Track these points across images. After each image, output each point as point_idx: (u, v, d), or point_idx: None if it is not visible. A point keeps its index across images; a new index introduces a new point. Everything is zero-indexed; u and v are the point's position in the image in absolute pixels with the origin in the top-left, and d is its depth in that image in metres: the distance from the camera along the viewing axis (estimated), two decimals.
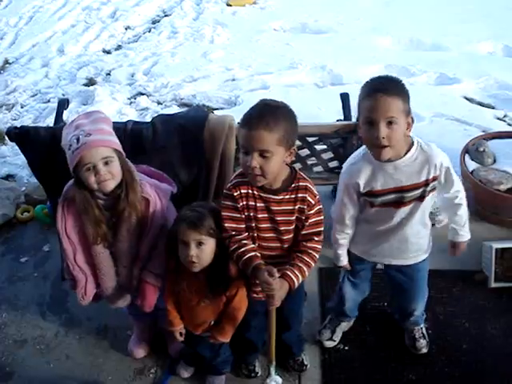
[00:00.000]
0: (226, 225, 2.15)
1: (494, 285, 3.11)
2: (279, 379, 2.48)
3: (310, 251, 2.18)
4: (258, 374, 2.72)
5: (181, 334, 2.43)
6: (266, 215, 2.15)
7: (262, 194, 2.12)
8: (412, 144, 2.17)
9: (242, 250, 2.14)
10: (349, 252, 2.53)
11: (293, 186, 2.12)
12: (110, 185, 2.13)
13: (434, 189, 2.25)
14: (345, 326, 2.88)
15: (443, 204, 2.41)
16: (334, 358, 2.81)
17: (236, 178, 2.16)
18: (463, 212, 2.37)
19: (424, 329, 2.82)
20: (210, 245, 2.15)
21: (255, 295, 2.34)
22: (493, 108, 4.87)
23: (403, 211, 2.28)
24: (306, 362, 2.75)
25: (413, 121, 2.10)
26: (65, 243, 2.28)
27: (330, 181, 3.15)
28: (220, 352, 2.58)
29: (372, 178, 2.21)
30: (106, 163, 2.08)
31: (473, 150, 3.68)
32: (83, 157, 2.04)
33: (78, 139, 2.03)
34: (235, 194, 2.12)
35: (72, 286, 2.43)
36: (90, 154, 2.04)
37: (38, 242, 3.58)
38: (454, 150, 3.40)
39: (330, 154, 2.97)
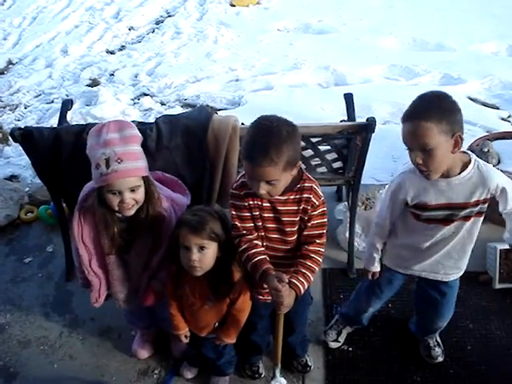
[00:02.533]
0: (237, 223, 2.15)
1: (498, 286, 3.10)
2: (284, 381, 2.49)
3: (313, 255, 2.15)
4: (262, 375, 2.72)
5: (186, 336, 2.43)
6: (271, 215, 2.14)
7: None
8: (469, 162, 2.09)
9: (252, 251, 2.13)
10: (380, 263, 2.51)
11: (298, 186, 2.10)
12: (132, 211, 2.12)
13: (482, 212, 2.20)
14: (350, 329, 2.88)
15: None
16: (337, 358, 2.81)
17: (242, 178, 2.14)
18: None
19: (438, 337, 2.81)
20: (211, 249, 2.12)
21: (260, 297, 2.33)
22: (497, 108, 4.86)
23: (448, 229, 2.22)
24: (309, 363, 2.75)
25: (462, 139, 1.97)
26: (81, 249, 2.27)
27: (334, 181, 3.14)
28: (224, 353, 2.58)
29: (422, 192, 2.15)
30: (133, 190, 2.07)
31: (477, 150, 3.67)
32: (111, 184, 2.02)
33: (107, 161, 1.97)
34: (242, 193, 2.12)
35: (84, 285, 2.45)
36: (118, 183, 2.01)
37: (41, 243, 3.59)
38: None
39: (333, 155, 2.96)
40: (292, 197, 2.11)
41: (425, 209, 2.18)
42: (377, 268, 2.49)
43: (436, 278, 2.44)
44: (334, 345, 2.84)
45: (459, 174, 2.08)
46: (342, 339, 2.84)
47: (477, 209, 2.17)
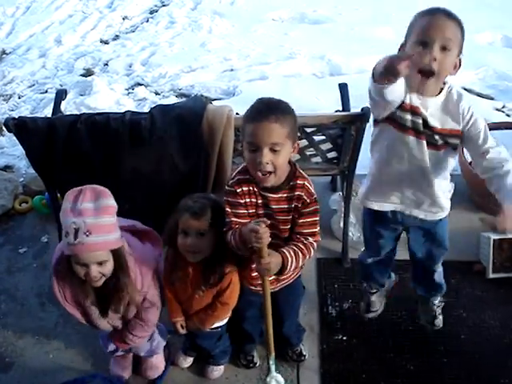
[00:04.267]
0: (231, 219, 2.12)
1: (492, 275, 3.12)
2: (280, 378, 2.49)
3: (306, 243, 2.13)
4: (257, 365, 2.73)
5: (182, 326, 2.44)
6: (265, 212, 2.13)
7: (261, 192, 2.11)
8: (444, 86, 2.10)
9: (236, 228, 2.10)
10: (368, 214, 2.45)
11: (291, 184, 2.10)
12: (100, 283, 2.11)
13: (455, 148, 2.15)
14: (380, 294, 2.82)
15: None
16: (332, 348, 2.82)
17: (238, 175, 2.13)
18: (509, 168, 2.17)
19: (442, 305, 2.79)
20: (210, 236, 2.15)
21: (252, 287, 2.35)
22: (492, 99, 4.87)
23: (432, 153, 2.14)
24: (304, 353, 2.76)
25: (460, 64, 2.08)
26: (68, 308, 2.30)
27: (329, 171, 3.14)
28: (219, 343, 2.60)
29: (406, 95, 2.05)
30: (100, 264, 2.04)
31: None
32: (77, 256, 2.01)
33: (76, 232, 1.94)
34: (238, 190, 2.10)
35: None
36: (84, 256, 2.00)
37: (36, 233, 3.58)
38: None
39: (328, 145, 2.96)
40: (285, 195, 2.11)
41: (410, 111, 2.08)
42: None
43: (418, 215, 2.34)
44: (370, 315, 2.83)
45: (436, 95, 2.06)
46: (375, 307, 2.82)
47: (452, 140, 2.12)
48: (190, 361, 2.77)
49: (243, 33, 6.24)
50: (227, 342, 2.67)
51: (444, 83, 2.11)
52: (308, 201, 2.11)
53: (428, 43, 1.95)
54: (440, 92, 2.09)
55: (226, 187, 2.16)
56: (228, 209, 2.13)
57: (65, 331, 2.96)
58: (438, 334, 2.84)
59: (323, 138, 2.92)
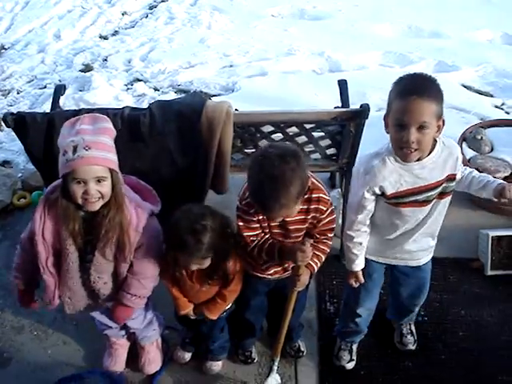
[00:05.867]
0: (244, 234, 2.17)
1: (490, 272, 3.13)
2: (278, 378, 2.52)
3: (325, 240, 2.24)
4: (255, 360, 2.73)
5: (194, 313, 2.46)
6: (278, 225, 2.16)
7: None
8: (435, 142, 2.09)
9: (261, 242, 2.18)
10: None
11: (306, 196, 2.09)
12: (97, 206, 2.03)
13: (451, 191, 2.21)
14: (357, 342, 2.82)
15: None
16: (330, 344, 2.82)
17: (248, 194, 2.09)
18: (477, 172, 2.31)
19: (413, 326, 2.83)
20: (211, 256, 2.18)
21: (258, 274, 2.36)
22: (491, 96, 4.86)
23: (424, 210, 2.21)
24: (302, 349, 2.77)
25: (443, 123, 2.01)
26: (39, 245, 2.14)
27: (328, 168, 3.15)
28: (221, 334, 2.62)
29: (398, 179, 2.11)
30: (98, 181, 1.97)
31: (470, 137, 3.68)
32: (76, 170, 1.93)
33: (74, 148, 1.90)
34: (251, 211, 2.12)
35: (20, 292, 2.40)
36: (83, 170, 1.93)
37: None
38: (451, 137, 3.35)
39: (327, 141, 2.96)
40: (299, 207, 2.10)
41: (403, 196, 2.14)
42: (359, 266, 2.35)
43: (411, 264, 2.44)
44: (350, 365, 2.75)
45: (428, 155, 2.09)
46: (355, 356, 2.78)
47: (452, 185, 2.18)
48: (188, 356, 2.77)
49: (243, 29, 6.22)
50: (226, 337, 2.68)
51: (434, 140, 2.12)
52: (325, 209, 2.15)
53: (405, 126, 1.96)
54: (433, 149, 2.11)
55: (238, 204, 2.16)
56: (241, 223, 2.17)
57: (63, 327, 2.96)
58: (436, 331, 2.84)
59: (322, 134, 2.91)
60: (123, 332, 2.69)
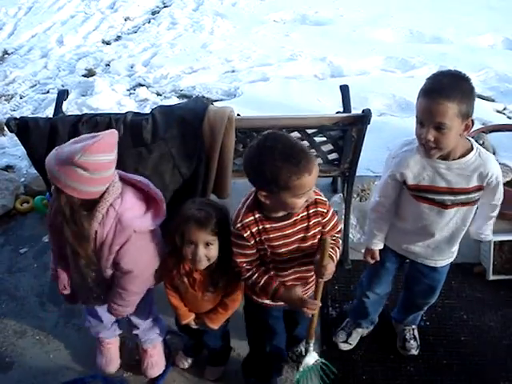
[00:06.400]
0: (238, 260, 2.11)
1: (492, 277, 3.13)
2: (316, 355, 2.45)
3: (336, 243, 2.19)
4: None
5: (195, 322, 2.42)
6: (281, 242, 2.08)
7: (274, 225, 2.05)
8: (471, 148, 2.09)
9: (256, 275, 2.12)
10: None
11: None
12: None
13: (477, 200, 2.20)
14: (361, 331, 2.84)
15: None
16: (332, 349, 2.82)
17: (243, 217, 2.05)
18: (496, 214, 2.32)
19: (416, 331, 2.82)
20: (216, 244, 2.13)
21: (267, 302, 2.28)
22: (493, 101, 4.87)
23: (445, 213, 2.20)
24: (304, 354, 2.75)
25: (473, 123, 2.00)
26: (51, 232, 2.22)
27: (330, 173, 3.14)
28: (220, 343, 2.61)
29: (421, 172, 2.14)
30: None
31: None
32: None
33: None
34: (245, 235, 2.04)
35: (53, 277, 2.40)
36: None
37: (37, 233, 3.59)
38: None
39: (329, 146, 2.96)
40: (299, 216, 2.07)
41: (425, 190, 2.16)
42: (377, 245, 2.41)
43: (428, 264, 2.44)
44: (344, 346, 2.80)
45: (459, 158, 2.08)
46: (353, 342, 2.80)
47: (476, 195, 2.16)
48: (189, 362, 2.77)
49: (245, 34, 6.24)
50: (228, 343, 2.67)
51: (470, 142, 2.12)
52: (325, 210, 2.11)
53: (423, 124, 1.99)
54: (466, 154, 2.10)
55: (232, 229, 2.09)
56: (236, 249, 2.11)
57: (65, 331, 2.97)
58: (438, 336, 2.84)
59: (324, 139, 2.92)
60: (117, 329, 2.72)
